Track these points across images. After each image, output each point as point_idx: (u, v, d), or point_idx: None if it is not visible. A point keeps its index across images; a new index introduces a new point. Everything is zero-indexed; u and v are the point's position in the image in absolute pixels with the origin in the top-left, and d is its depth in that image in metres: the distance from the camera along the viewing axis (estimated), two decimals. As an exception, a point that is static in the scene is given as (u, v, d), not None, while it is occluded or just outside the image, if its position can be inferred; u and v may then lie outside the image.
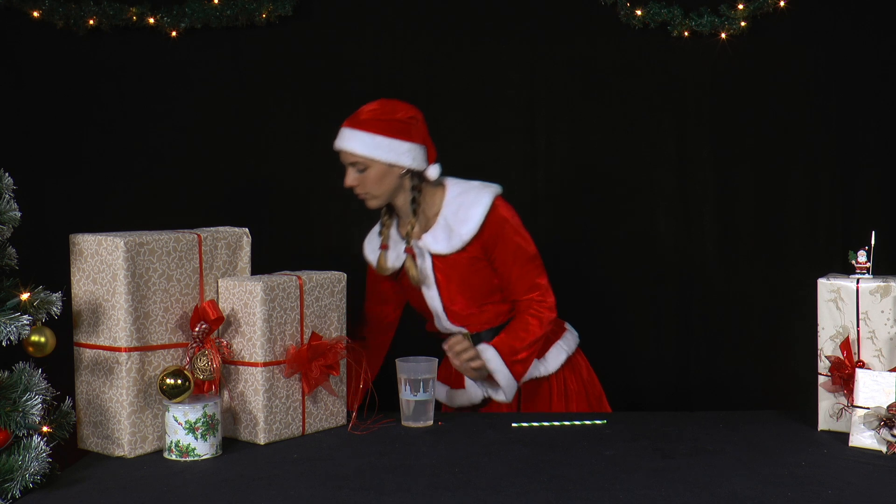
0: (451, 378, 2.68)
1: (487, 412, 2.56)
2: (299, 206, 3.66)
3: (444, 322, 2.59)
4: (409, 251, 2.56)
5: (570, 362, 2.66)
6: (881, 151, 3.49)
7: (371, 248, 2.68)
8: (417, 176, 2.55)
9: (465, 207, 2.51)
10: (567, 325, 2.72)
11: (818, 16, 3.46)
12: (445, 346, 2.50)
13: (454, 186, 2.57)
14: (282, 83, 3.62)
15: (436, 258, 2.54)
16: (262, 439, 2.15)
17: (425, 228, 2.56)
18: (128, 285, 2.03)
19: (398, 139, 2.50)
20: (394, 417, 2.34)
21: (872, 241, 2.18)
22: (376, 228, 2.70)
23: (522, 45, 3.56)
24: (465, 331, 2.57)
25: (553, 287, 2.60)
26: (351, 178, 2.54)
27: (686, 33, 3.47)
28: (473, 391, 2.61)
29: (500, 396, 2.53)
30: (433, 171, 2.55)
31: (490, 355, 2.47)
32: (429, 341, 2.67)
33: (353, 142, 2.50)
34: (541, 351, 2.59)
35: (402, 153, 2.50)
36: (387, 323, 2.76)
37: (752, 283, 3.58)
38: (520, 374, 2.50)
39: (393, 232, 2.64)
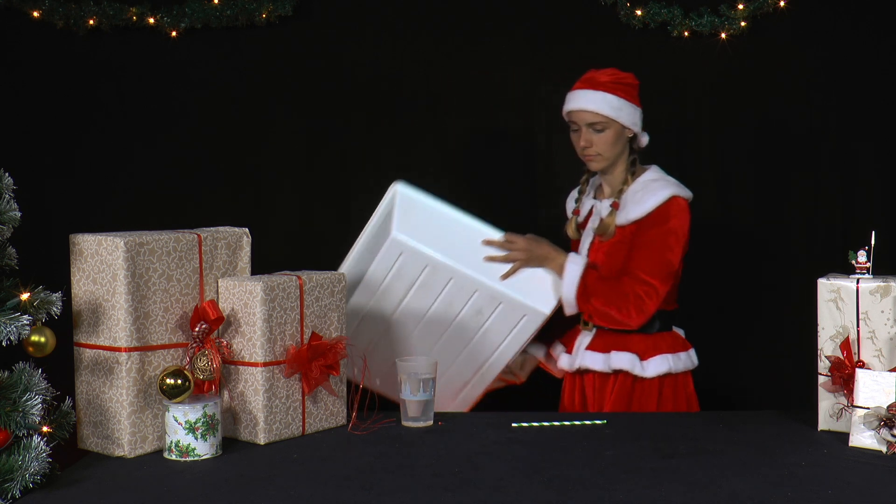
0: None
1: (487, 412, 2.57)
2: (299, 206, 3.66)
3: None
4: (616, 206, 2.70)
5: (674, 378, 2.70)
6: (881, 151, 3.49)
7: (568, 209, 2.91)
8: (636, 141, 2.76)
9: (646, 192, 2.66)
10: (690, 352, 2.76)
11: (818, 16, 3.46)
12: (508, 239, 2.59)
13: (652, 173, 2.73)
14: (282, 83, 3.62)
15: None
16: (262, 439, 2.15)
17: (608, 195, 2.77)
18: (128, 285, 2.03)
19: (633, 103, 2.71)
20: (394, 417, 2.34)
21: (872, 241, 2.18)
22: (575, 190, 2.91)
23: (523, 45, 3.56)
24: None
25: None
26: (587, 137, 2.68)
27: (686, 33, 3.47)
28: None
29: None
30: (645, 138, 2.77)
31: (572, 270, 2.59)
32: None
33: (598, 102, 2.66)
34: (643, 353, 2.64)
35: (636, 117, 2.72)
36: None
37: (752, 283, 3.58)
38: (578, 305, 2.60)
39: (586, 199, 2.84)
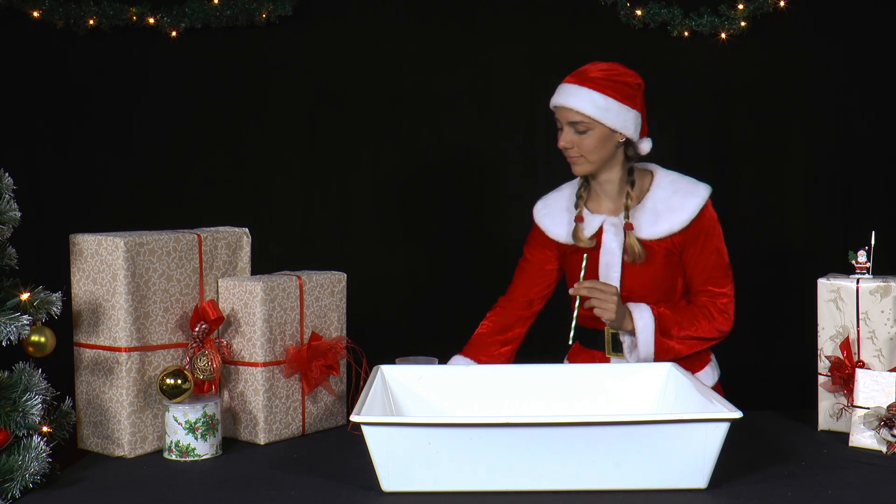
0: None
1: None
2: (299, 206, 3.66)
3: None
4: (630, 227, 2.40)
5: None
6: (881, 151, 3.49)
7: (553, 221, 2.54)
8: (632, 147, 2.43)
9: (680, 195, 2.40)
10: (712, 358, 2.58)
11: (818, 16, 3.47)
12: (593, 287, 2.31)
13: (665, 173, 2.46)
14: (281, 83, 3.62)
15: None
16: (262, 439, 2.15)
17: (623, 207, 2.44)
18: (128, 285, 2.03)
19: (626, 105, 2.37)
20: (394, 417, 2.34)
21: (872, 241, 2.18)
22: (553, 199, 2.58)
23: (522, 45, 3.57)
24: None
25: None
26: (568, 138, 2.39)
27: (686, 33, 3.47)
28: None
29: (631, 358, 2.40)
30: (646, 145, 2.45)
31: (643, 325, 2.34)
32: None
33: (581, 100, 2.35)
34: (693, 366, 2.46)
35: (627, 120, 2.37)
36: (532, 312, 2.61)
37: (752, 284, 3.58)
38: (660, 358, 2.35)
39: (587, 209, 2.50)
